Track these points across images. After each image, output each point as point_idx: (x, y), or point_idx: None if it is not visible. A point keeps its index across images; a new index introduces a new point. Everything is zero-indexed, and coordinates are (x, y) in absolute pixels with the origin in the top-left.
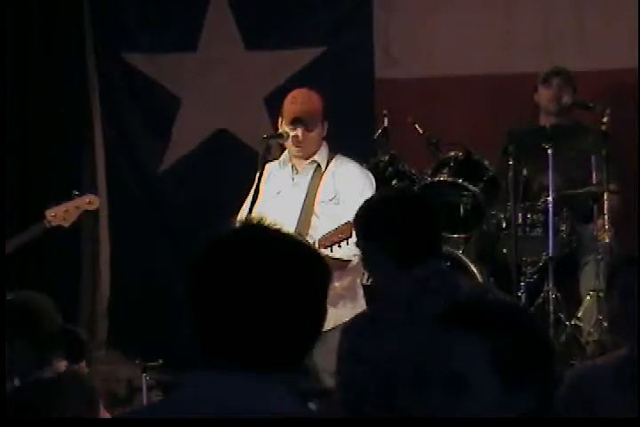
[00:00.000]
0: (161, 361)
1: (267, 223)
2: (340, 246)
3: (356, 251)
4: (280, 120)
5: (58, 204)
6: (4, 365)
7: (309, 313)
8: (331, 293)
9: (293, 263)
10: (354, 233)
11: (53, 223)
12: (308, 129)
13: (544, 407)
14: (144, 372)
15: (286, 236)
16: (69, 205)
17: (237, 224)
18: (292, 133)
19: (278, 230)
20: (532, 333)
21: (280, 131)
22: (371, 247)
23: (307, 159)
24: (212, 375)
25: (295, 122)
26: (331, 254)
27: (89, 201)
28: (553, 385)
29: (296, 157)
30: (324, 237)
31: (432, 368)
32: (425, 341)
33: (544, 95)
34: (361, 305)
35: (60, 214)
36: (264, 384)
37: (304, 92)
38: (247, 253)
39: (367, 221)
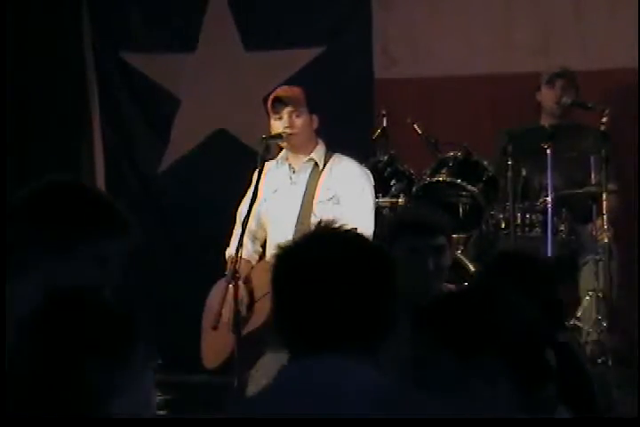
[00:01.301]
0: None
1: (337, 225)
2: None
3: None
4: (269, 122)
5: None
6: (3, 364)
7: (383, 302)
8: None
9: (366, 263)
10: None
11: None
12: (293, 112)
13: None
14: None
15: (357, 237)
16: None
17: (312, 227)
18: (280, 123)
19: (349, 231)
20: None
21: (278, 131)
22: None
23: (302, 154)
24: (315, 363)
25: (276, 102)
26: None
27: None
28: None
29: (290, 150)
30: None
31: None
32: None
33: (547, 96)
34: None
35: None
36: (364, 365)
37: (283, 85)
38: (326, 254)
39: None
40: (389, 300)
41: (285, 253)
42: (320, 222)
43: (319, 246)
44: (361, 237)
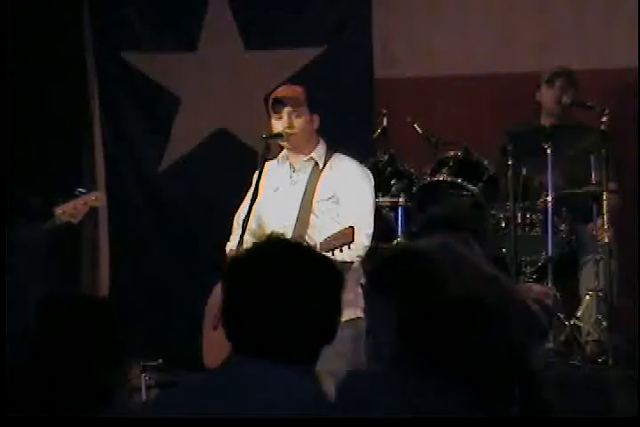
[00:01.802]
0: (160, 361)
1: (287, 237)
2: (341, 251)
3: (358, 253)
4: (270, 122)
5: (65, 201)
6: (4, 364)
7: (324, 313)
8: None
9: (310, 273)
10: (355, 238)
11: (63, 219)
12: (293, 112)
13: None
14: (143, 372)
15: (304, 248)
16: (77, 201)
17: (262, 239)
18: (280, 123)
19: (298, 244)
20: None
21: (279, 131)
22: None
23: (302, 154)
24: (247, 365)
25: (276, 102)
26: (333, 257)
27: (95, 197)
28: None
29: (290, 149)
30: (325, 241)
31: None
32: None
33: (547, 95)
34: (361, 306)
35: (68, 211)
36: (293, 374)
37: (284, 85)
38: (272, 265)
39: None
40: (332, 310)
41: (236, 261)
42: (271, 234)
43: (268, 256)
44: (309, 248)
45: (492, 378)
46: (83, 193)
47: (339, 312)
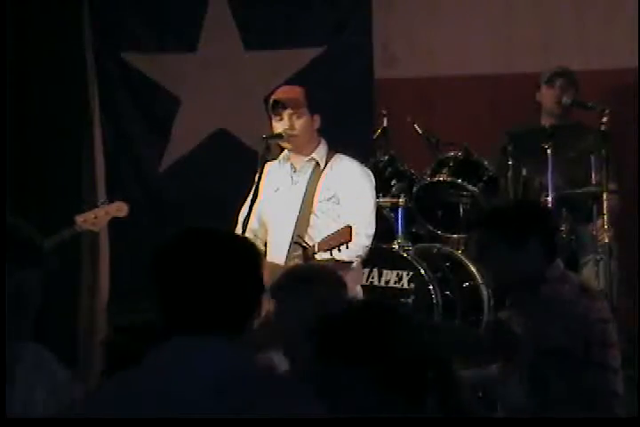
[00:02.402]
0: None
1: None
2: (339, 250)
3: (358, 253)
4: (270, 122)
5: (87, 210)
6: (4, 366)
7: (247, 289)
8: None
9: (231, 253)
10: (356, 238)
11: (83, 227)
12: (293, 113)
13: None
14: None
15: (226, 233)
16: (98, 211)
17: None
18: (281, 124)
19: (220, 230)
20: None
21: (279, 131)
22: None
23: (303, 154)
24: (177, 342)
25: (276, 105)
26: (332, 257)
27: (118, 208)
28: None
29: (291, 150)
30: (324, 241)
31: None
32: None
33: (547, 96)
34: None
35: (89, 220)
36: (221, 345)
37: (284, 86)
38: (197, 247)
39: None
40: (254, 289)
41: (163, 251)
42: (189, 228)
43: (192, 244)
44: (230, 233)
45: (404, 378)
46: (106, 203)
47: (259, 287)
